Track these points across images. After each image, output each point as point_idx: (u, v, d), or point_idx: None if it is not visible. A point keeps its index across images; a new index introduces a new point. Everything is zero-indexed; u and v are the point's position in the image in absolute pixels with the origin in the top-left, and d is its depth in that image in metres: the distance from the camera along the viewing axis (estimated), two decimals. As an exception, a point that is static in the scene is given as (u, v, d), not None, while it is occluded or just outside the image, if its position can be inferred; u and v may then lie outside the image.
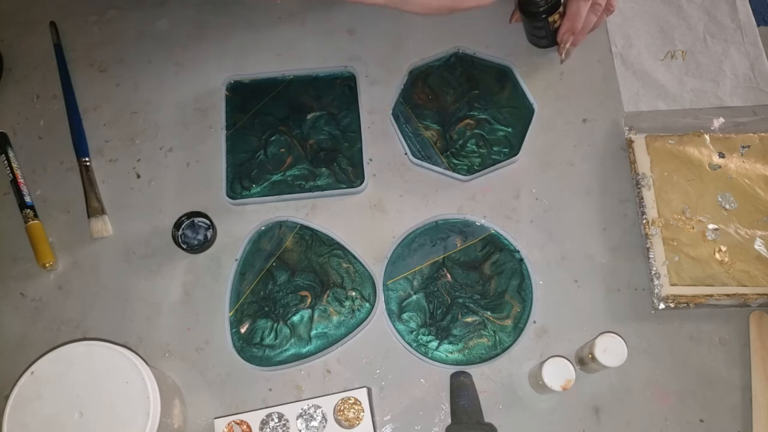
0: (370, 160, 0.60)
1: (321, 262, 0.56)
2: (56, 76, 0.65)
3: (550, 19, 0.59)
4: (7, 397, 0.44)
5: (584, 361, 0.50)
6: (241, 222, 0.58)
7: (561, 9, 0.59)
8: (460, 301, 0.54)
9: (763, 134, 0.59)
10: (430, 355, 0.53)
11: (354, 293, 0.55)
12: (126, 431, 0.43)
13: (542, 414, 0.52)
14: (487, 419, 0.50)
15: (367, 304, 0.54)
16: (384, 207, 0.59)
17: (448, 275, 0.55)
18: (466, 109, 0.61)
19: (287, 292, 0.55)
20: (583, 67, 0.64)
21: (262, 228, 0.58)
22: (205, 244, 0.57)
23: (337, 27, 0.66)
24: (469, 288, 0.55)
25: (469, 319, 0.54)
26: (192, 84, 0.64)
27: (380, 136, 0.61)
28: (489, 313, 0.54)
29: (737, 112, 0.61)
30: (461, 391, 0.50)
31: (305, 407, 0.50)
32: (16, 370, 0.46)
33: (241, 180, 0.59)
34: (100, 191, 0.60)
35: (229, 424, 0.49)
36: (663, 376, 0.53)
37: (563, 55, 0.61)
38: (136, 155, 0.62)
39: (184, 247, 0.56)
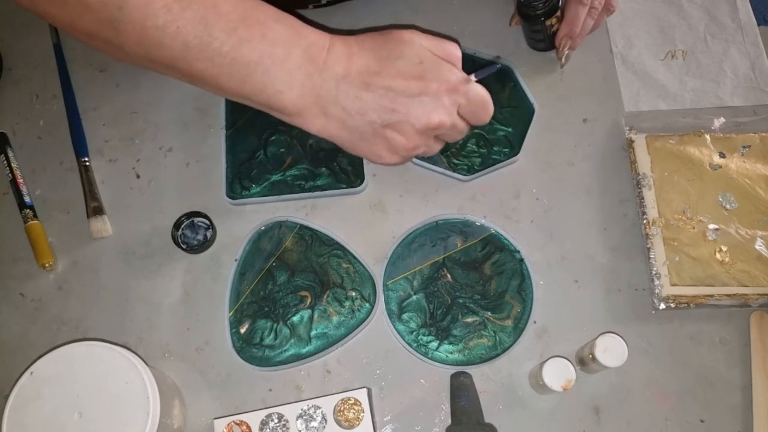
0: (370, 160, 0.60)
1: (321, 262, 0.56)
2: (56, 76, 0.65)
3: (548, 22, 0.59)
4: (6, 397, 0.44)
5: (584, 361, 0.50)
6: (241, 222, 0.58)
7: (558, 13, 0.59)
8: (461, 301, 0.54)
9: (763, 134, 0.59)
10: (430, 355, 0.53)
11: (354, 293, 0.55)
12: (126, 431, 0.43)
13: (542, 414, 0.52)
14: (487, 419, 0.50)
15: (367, 305, 0.54)
16: (384, 207, 0.59)
17: (448, 275, 0.55)
18: (466, 109, 0.61)
19: (287, 293, 0.55)
20: (583, 67, 0.64)
21: (262, 228, 0.58)
22: (205, 244, 0.57)
23: (337, 27, 0.66)
24: (470, 288, 0.55)
25: (469, 320, 0.54)
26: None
27: (380, 136, 0.61)
28: (489, 313, 0.54)
29: (738, 111, 0.61)
30: (461, 392, 0.50)
31: (305, 408, 0.50)
32: (16, 370, 0.46)
33: (241, 180, 0.59)
34: (99, 191, 0.60)
35: (228, 425, 0.49)
36: (663, 376, 0.52)
37: (563, 59, 0.61)
38: (136, 155, 0.62)
39: (184, 247, 0.56)
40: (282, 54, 0.43)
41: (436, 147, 0.49)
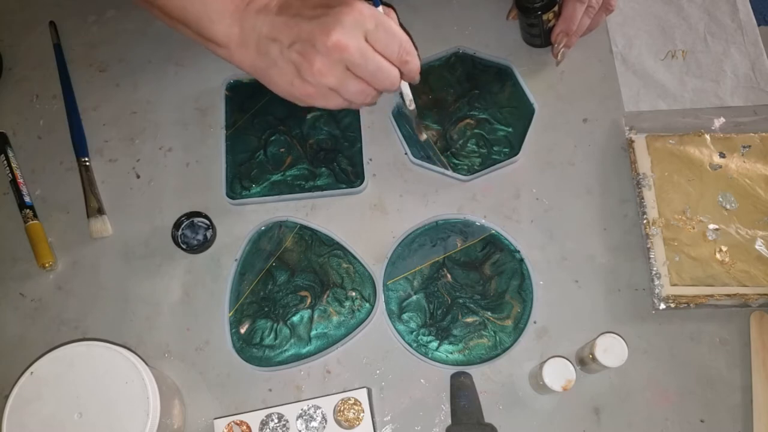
0: (370, 160, 0.60)
1: (321, 262, 0.56)
2: (56, 76, 0.65)
3: (545, 17, 0.59)
4: (6, 397, 0.44)
5: (585, 361, 0.50)
6: (241, 222, 0.58)
7: (556, 8, 0.59)
8: (461, 301, 0.54)
9: (763, 134, 0.59)
10: (430, 355, 0.53)
11: (354, 293, 0.55)
12: (126, 431, 0.43)
13: (542, 414, 0.52)
14: (487, 419, 0.50)
15: (367, 305, 0.54)
16: (384, 207, 0.59)
17: (449, 275, 0.55)
18: (466, 109, 0.61)
19: (287, 293, 0.55)
20: (583, 67, 0.64)
21: (262, 228, 0.58)
22: (205, 244, 0.57)
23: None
24: (470, 288, 0.55)
25: (469, 320, 0.54)
26: (192, 84, 0.64)
27: (380, 136, 0.61)
28: (489, 313, 0.54)
29: (738, 112, 0.61)
30: (461, 392, 0.50)
31: (305, 408, 0.50)
32: (16, 370, 0.46)
33: (241, 180, 0.59)
34: (99, 191, 0.60)
35: (228, 425, 0.49)
36: (663, 376, 0.52)
37: (558, 56, 0.61)
38: (136, 155, 0.62)
39: (184, 247, 0.56)
40: None
41: (353, 86, 0.48)
